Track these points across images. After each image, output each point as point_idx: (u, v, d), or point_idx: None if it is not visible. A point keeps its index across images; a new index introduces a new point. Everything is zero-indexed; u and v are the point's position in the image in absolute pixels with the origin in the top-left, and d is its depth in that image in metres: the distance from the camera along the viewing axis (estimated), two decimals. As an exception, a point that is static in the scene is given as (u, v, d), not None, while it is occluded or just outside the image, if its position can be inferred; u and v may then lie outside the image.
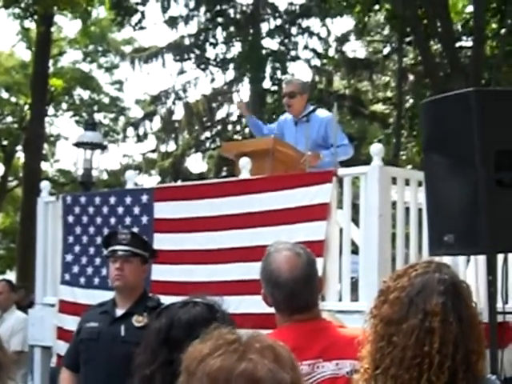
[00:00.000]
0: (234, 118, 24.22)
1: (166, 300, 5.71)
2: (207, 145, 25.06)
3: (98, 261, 6.69)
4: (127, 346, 4.31)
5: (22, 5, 16.04)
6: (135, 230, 6.30)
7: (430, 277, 2.06)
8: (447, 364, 1.96)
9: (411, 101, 22.26)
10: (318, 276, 3.00)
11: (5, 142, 28.12)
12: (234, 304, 4.15)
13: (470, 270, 5.17)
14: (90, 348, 4.49)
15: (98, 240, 6.59)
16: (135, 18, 22.62)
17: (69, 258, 6.93)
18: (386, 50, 23.87)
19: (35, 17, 17.34)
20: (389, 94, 24.56)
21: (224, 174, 21.51)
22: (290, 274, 2.86)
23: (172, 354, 2.02)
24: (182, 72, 23.64)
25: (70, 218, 6.94)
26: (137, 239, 4.65)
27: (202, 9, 23.01)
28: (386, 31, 23.54)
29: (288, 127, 6.80)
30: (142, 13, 22.25)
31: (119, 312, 4.53)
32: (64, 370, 4.71)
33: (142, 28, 23.24)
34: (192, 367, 1.49)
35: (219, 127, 24.44)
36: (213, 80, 23.82)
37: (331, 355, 2.77)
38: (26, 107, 26.16)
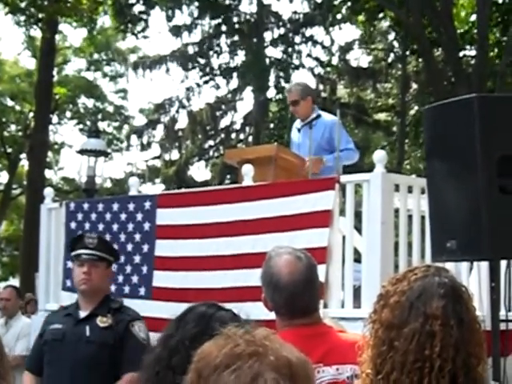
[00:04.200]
0: (237, 126, 24.25)
1: (168, 307, 5.73)
2: (211, 153, 25.09)
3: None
4: (92, 346, 4.36)
5: (27, 12, 16.09)
6: (137, 236, 6.31)
7: (429, 280, 2.05)
8: (448, 368, 1.95)
9: (415, 108, 22.27)
10: (318, 281, 2.98)
11: (9, 150, 28.21)
12: (235, 311, 4.14)
13: (473, 277, 5.14)
14: (54, 349, 4.47)
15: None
16: (139, 27, 22.68)
17: (70, 264, 6.92)
18: (390, 59, 23.89)
19: (40, 24, 17.40)
20: (392, 101, 24.55)
21: (228, 182, 21.51)
22: (290, 278, 2.85)
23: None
24: (185, 80, 23.70)
25: (73, 225, 6.93)
26: (104, 244, 4.71)
27: (206, 17, 23.08)
28: (390, 39, 23.58)
29: (293, 132, 6.86)
30: (146, 21, 22.29)
31: (83, 314, 4.54)
32: (26, 373, 4.66)
33: (145, 37, 23.30)
34: (204, 373, 1.48)
35: (223, 135, 24.47)
36: (217, 88, 23.88)
37: (331, 360, 2.76)
38: (31, 115, 26.24)
